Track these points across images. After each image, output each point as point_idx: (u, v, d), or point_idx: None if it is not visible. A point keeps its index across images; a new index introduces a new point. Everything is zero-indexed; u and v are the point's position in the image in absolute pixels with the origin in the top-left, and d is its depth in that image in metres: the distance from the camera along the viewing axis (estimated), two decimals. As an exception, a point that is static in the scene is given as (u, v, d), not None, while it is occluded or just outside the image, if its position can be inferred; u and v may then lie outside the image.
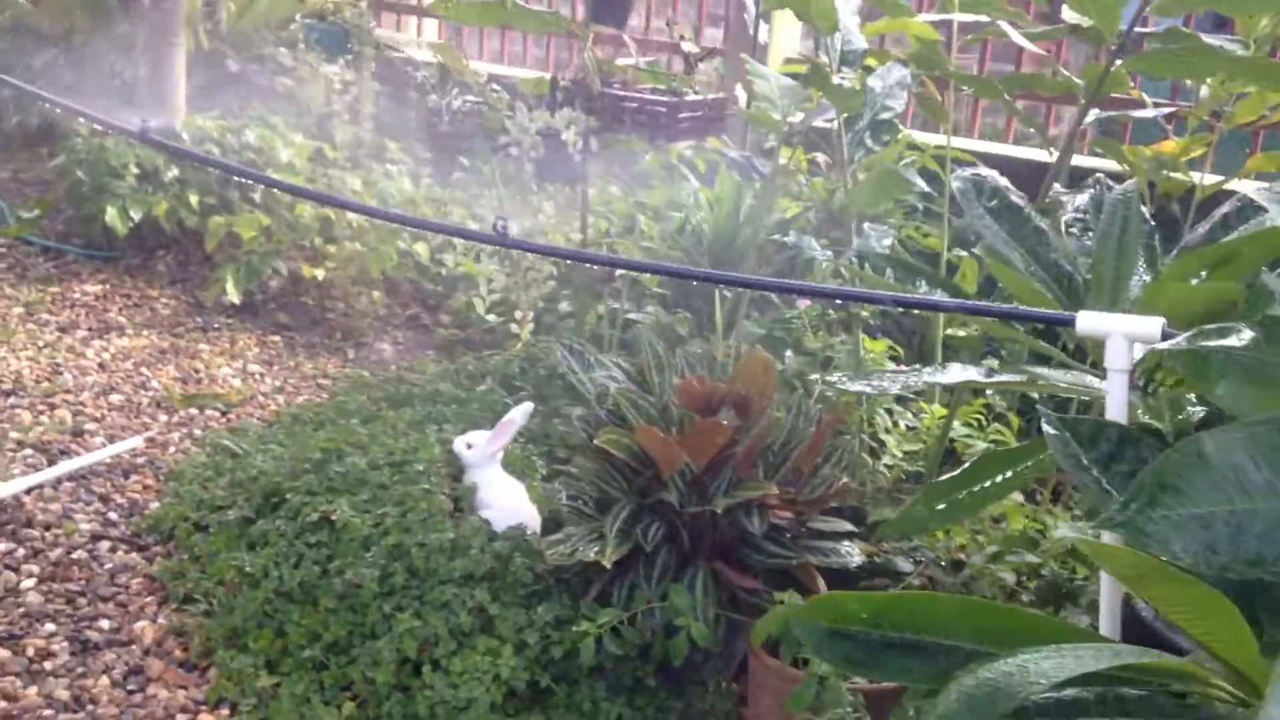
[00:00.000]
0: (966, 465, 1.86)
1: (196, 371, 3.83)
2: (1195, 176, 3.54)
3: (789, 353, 3.51)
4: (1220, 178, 3.64)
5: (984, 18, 2.98)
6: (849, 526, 2.52)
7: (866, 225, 3.06)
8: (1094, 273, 1.86)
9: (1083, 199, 2.12)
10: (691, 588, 2.36)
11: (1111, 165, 3.91)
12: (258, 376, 3.87)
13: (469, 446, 2.82)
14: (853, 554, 2.47)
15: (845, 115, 2.94)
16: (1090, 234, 2.04)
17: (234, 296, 4.22)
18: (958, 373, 1.95)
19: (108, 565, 2.70)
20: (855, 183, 3.00)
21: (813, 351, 3.28)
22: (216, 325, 4.23)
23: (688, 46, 3.08)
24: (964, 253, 3.51)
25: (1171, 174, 3.57)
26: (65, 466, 3.01)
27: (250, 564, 2.53)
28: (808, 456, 2.45)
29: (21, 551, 2.70)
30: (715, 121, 3.00)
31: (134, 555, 2.75)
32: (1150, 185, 3.59)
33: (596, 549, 2.33)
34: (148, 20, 4.88)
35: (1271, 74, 2.53)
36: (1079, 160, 4.40)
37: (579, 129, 2.80)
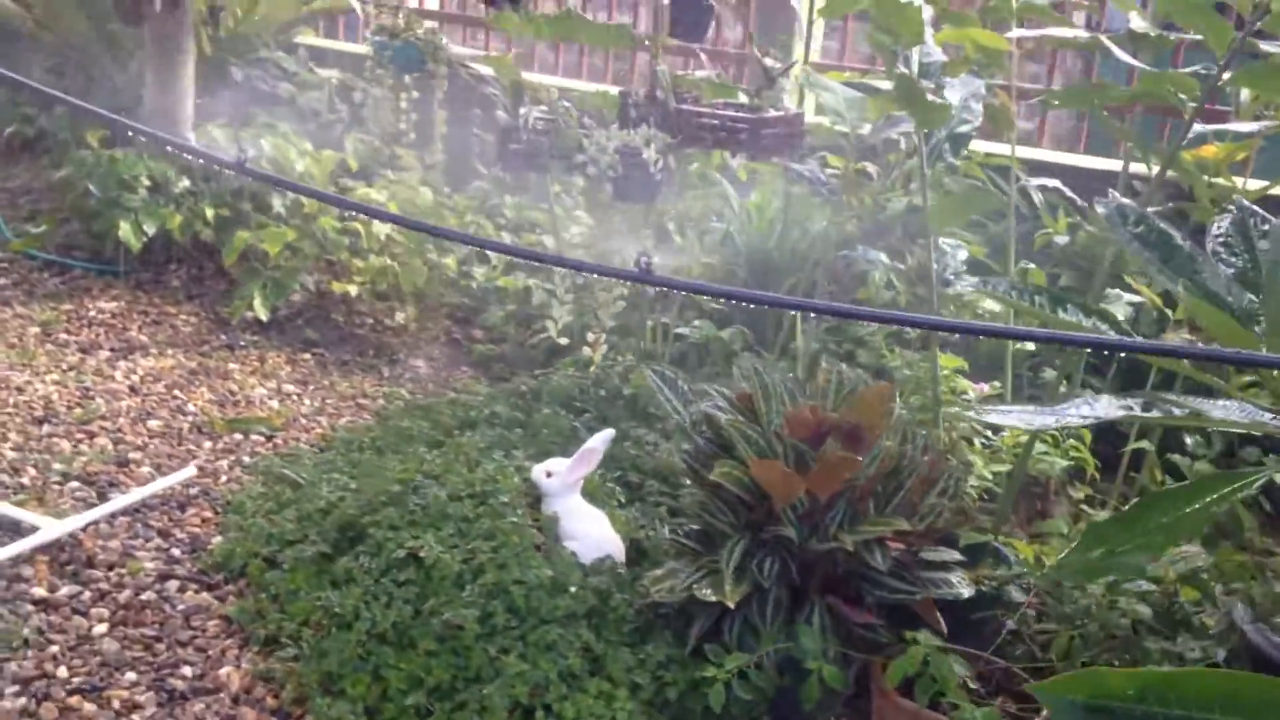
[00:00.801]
0: (1145, 500, 1.80)
1: (232, 393, 3.70)
2: (1239, 181, 3.51)
3: (842, 366, 3.44)
4: (1265, 183, 3.62)
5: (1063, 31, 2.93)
6: (957, 556, 2.45)
7: (942, 240, 3.00)
8: (1268, 306, 1.80)
9: (1225, 223, 2.06)
10: (809, 625, 2.29)
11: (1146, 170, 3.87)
12: (295, 397, 3.75)
13: (549, 475, 2.73)
14: (963, 585, 2.40)
15: (925, 129, 2.87)
16: (1237, 259, 1.99)
17: (262, 313, 4.09)
18: (1112, 408, 1.88)
19: (180, 606, 2.57)
20: (935, 196, 2.94)
21: (881, 368, 3.21)
22: (243, 343, 4.10)
23: (770, 61, 2.99)
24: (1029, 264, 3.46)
25: (1214, 180, 3.53)
26: (121, 501, 2.88)
27: (338, 604, 2.42)
28: (920, 487, 2.38)
29: (88, 594, 2.57)
30: (798, 136, 2.92)
31: (205, 595, 2.63)
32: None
33: (712, 587, 2.25)
34: (154, 28, 4.72)
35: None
36: (1107, 164, 4.37)
37: (658, 147, 2.71)
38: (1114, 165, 4.06)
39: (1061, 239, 3.84)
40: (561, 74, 5.07)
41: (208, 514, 2.96)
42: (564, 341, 3.17)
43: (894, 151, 3.32)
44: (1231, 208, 2.07)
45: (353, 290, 4.08)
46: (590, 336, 3.10)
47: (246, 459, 3.27)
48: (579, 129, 2.74)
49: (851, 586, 2.37)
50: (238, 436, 3.40)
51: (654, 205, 2.87)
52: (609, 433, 2.77)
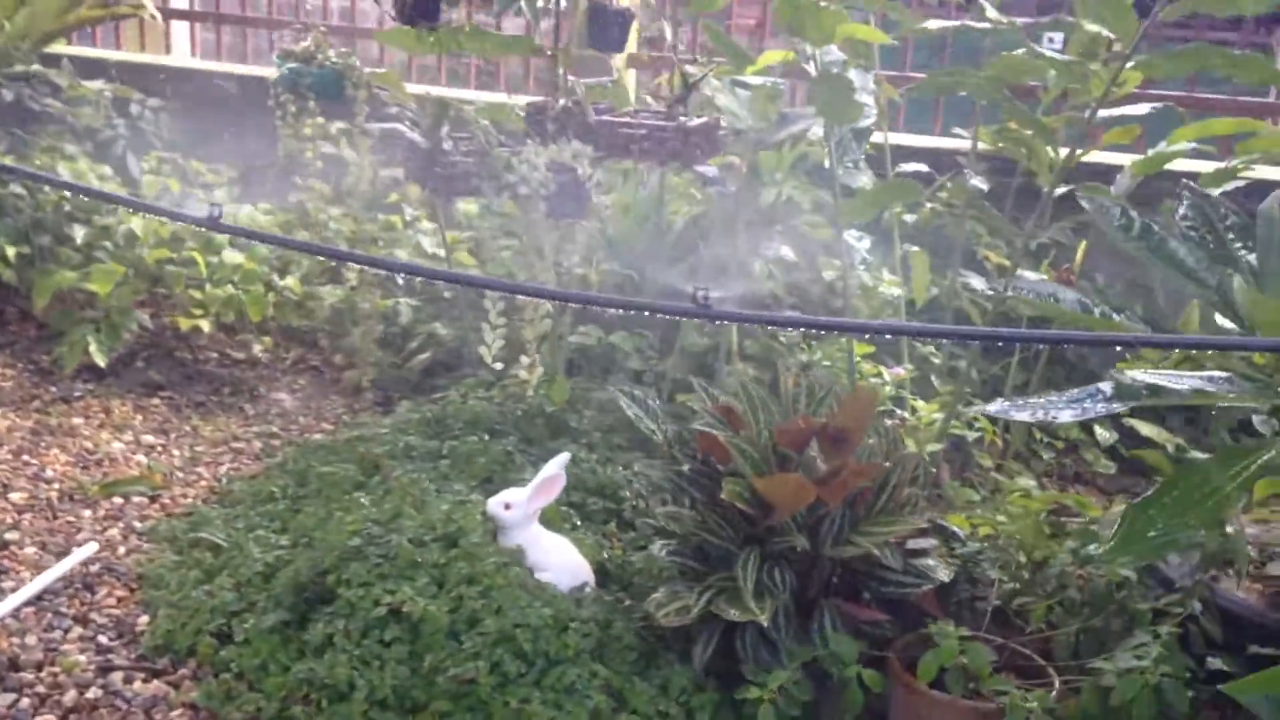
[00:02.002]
0: (1177, 478, 1.89)
1: (89, 452, 3.37)
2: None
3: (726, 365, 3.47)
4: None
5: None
6: (935, 542, 2.52)
7: (849, 234, 3.06)
8: (1270, 289, 1.93)
9: (1185, 208, 2.19)
10: (821, 628, 2.30)
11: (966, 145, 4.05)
12: (160, 449, 3.46)
13: (507, 507, 2.63)
14: (943, 569, 2.47)
15: (837, 125, 2.92)
16: (1205, 245, 2.11)
17: (100, 359, 3.74)
18: (1131, 395, 1.98)
19: (135, 700, 2.33)
20: (845, 191, 2.99)
21: (803, 363, 3.25)
22: (79, 394, 3.74)
23: (692, 68, 2.94)
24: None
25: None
26: (26, 591, 2.58)
27: (326, 674, 2.26)
28: (901, 480, 2.43)
29: (26, 701, 2.29)
30: (717, 142, 2.89)
31: (157, 683, 2.39)
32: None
33: (733, 605, 2.22)
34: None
35: (1254, 66, 2.69)
36: (940, 143, 4.58)
37: (588, 161, 2.63)
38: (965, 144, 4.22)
39: (910, 217, 4.00)
40: (445, 83, 4.87)
41: (121, 592, 2.69)
42: (499, 366, 3.04)
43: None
44: (1186, 194, 2.20)
45: (205, 325, 3.79)
46: (524, 359, 3.00)
47: (138, 524, 2.99)
48: (511, 147, 2.62)
49: (851, 586, 2.40)
50: (117, 501, 3.10)
51: (585, 221, 2.79)
52: (564, 456, 2.68)
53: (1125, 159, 3.98)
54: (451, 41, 2.70)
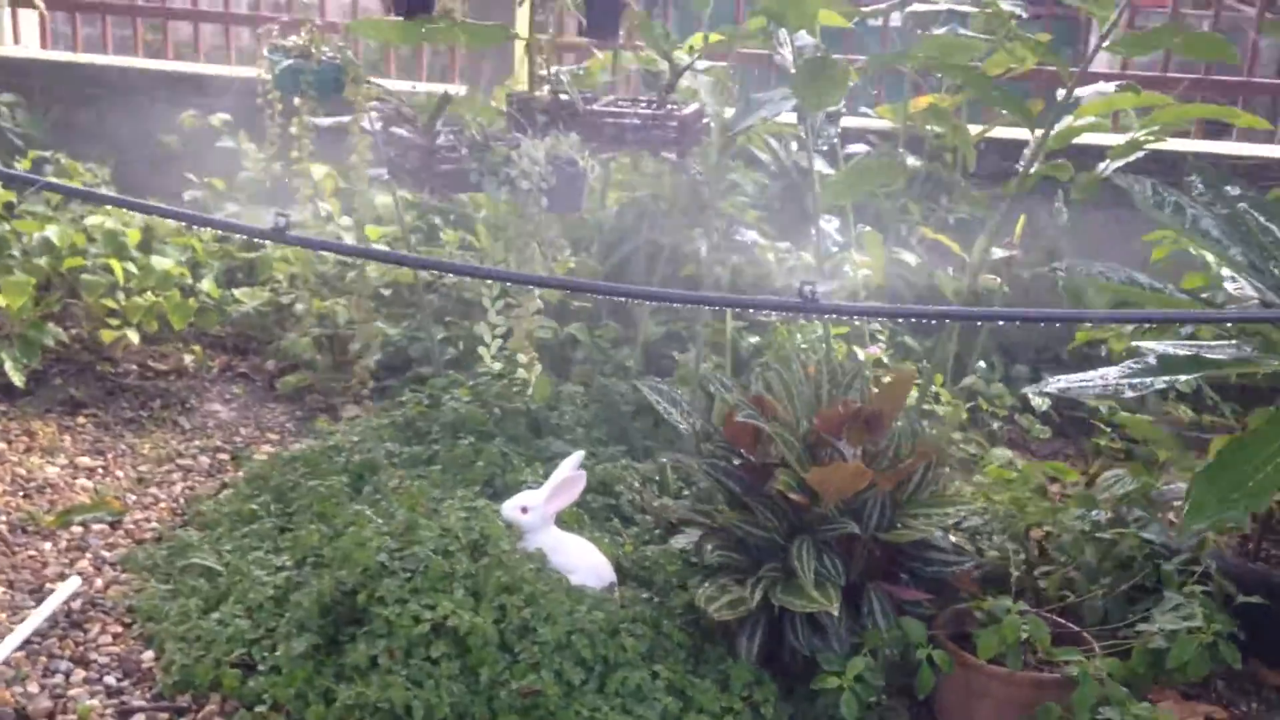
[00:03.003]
0: (1236, 448, 1.97)
1: (24, 479, 3.14)
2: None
3: (691, 349, 3.46)
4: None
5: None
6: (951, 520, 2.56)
7: (822, 220, 3.09)
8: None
9: (1199, 185, 2.28)
10: (871, 612, 2.32)
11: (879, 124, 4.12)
12: (100, 472, 3.24)
13: (524, 510, 2.56)
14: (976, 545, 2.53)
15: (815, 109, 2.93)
16: (1232, 221, 2.21)
17: (16, 378, 3.47)
18: (1177, 367, 2.06)
19: (166, 744, 2.19)
20: (822, 175, 3.01)
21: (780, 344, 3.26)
22: (-7, 417, 3.48)
23: (679, 55, 2.89)
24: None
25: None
26: (17, 636, 2.38)
27: (377, 696, 2.16)
28: (926, 459, 2.46)
29: (48, 756, 2.12)
30: (703, 131, 2.85)
31: (185, 722, 2.25)
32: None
33: (795, 595, 2.22)
34: None
35: (1208, 46, 2.83)
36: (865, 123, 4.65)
37: (584, 153, 2.56)
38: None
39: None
40: (425, 77, 4.64)
41: (115, 628, 2.52)
42: (498, 367, 2.94)
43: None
44: (1196, 173, 2.29)
45: (133, 336, 3.56)
46: (522, 358, 2.91)
47: (106, 554, 2.80)
48: (508, 139, 2.53)
49: (889, 568, 2.42)
50: (77, 530, 2.90)
51: (582, 213, 2.72)
52: (578, 455, 2.64)
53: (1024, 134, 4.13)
54: (430, 33, 2.59)
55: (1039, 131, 2.93)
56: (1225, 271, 2.41)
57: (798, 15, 2.80)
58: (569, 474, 2.58)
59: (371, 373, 3.65)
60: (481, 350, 2.82)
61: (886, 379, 2.43)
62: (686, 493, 3.05)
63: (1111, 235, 4.36)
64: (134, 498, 3.10)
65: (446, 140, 2.53)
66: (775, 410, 2.41)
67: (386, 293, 3.83)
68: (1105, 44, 2.77)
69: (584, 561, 2.55)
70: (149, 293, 3.69)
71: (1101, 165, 3.51)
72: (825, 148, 3.04)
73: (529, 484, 2.82)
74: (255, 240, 4.28)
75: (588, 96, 2.72)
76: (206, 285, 3.93)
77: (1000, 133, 4.34)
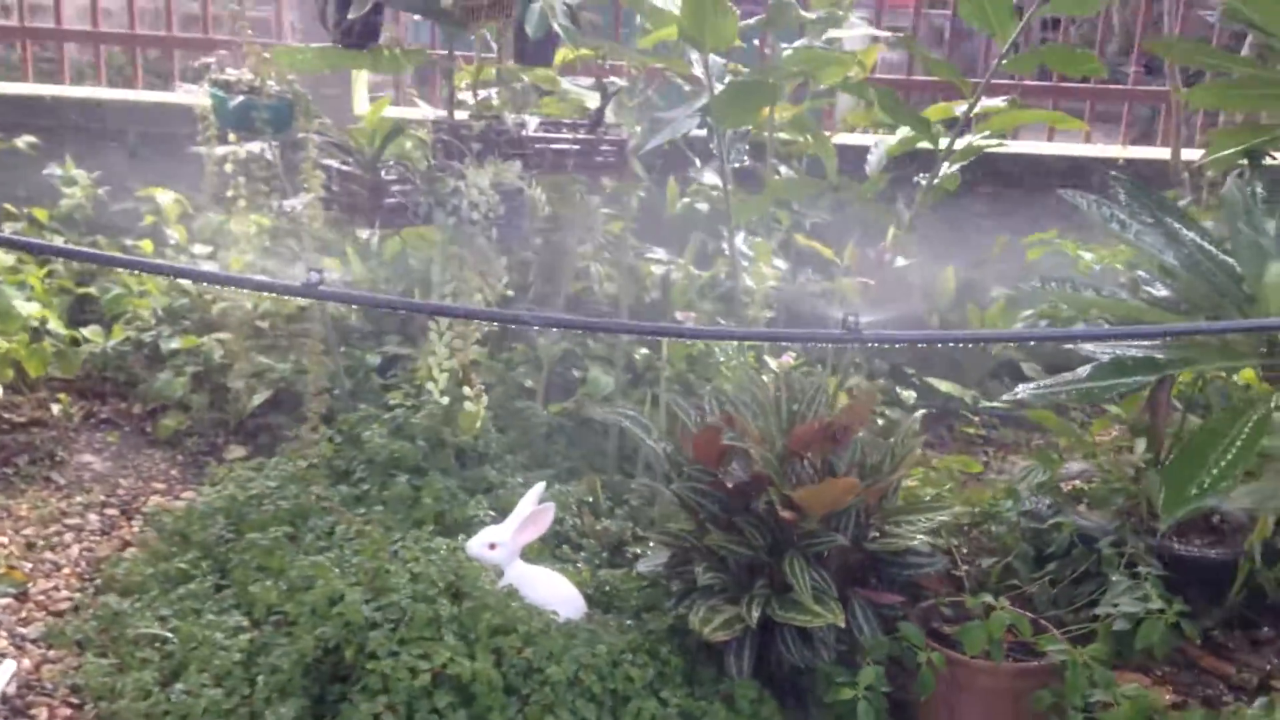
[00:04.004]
0: (1201, 437, 2.14)
1: (-104, 554, 2.85)
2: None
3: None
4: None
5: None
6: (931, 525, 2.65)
7: (740, 235, 3.15)
8: (1247, 267, 2.21)
9: (1121, 195, 2.45)
10: (856, 620, 2.40)
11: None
12: (-22, 539, 2.97)
13: (492, 547, 2.52)
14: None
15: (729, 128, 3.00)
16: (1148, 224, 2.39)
17: None
18: (1141, 369, 2.22)
19: (163, 832, 2.04)
20: (735, 186, 3.07)
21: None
22: None
23: (615, 80, 2.83)
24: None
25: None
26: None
27: (390, 760, 2.09)
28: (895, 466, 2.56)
29: None
30: (628, 154, 2.84)
31: (175, 806, 2.10)
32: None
33: (798, 611, 2.27)
34: None
35: (1079, 61, 3.04)
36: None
37: (527, 180, 2.50)
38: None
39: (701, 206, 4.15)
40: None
41: (65, 710, 2.33)
42: (445, 400, 2.84)
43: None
44: (1117, 184, 2.47)
45: (-4, 390, 3.28)
46: (468, 390, 2.81)
47: (23, 630, 2.58)
48: (453, 167, 2.45)
49: (864, 574, 2.50)
50: (-22, 605, 2.66)
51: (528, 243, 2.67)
52: (540, 486, 2.61)
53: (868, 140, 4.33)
54: (377, 61, 2.48)
55: (944, 143, 3.06)
56: (1143, 274, 2.61)
57: (715, 37, 2.84)
58: (534, 506, 2.55)
59: (248, 410, 3.49)
60: (430, 385, 2.73)
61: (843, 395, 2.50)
62: (618, 512, 3.07)
63: (945, 236, 4.63)
64: (29, 565, 2.86)
65: (390, 173, 2.44)
66: (747, 429, 2.45)
67: (263, 324, 3.66)
68: (1004, 62, 2.93)
69: (557, 594, 2.52)
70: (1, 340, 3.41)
71: (943, 169, 3.72)
72: (737, 164, 3.10)
73: (480, 519, 2.77)
74: (92, 270, 4.02)
75: (519, 122, 2.68)
76: (54, 325, 3.65)
77: (846, 139, 4.56)
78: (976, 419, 3.99)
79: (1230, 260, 2.33)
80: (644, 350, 3.69)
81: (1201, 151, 4.37)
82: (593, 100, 3.07)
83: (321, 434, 3.10)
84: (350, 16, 2.25)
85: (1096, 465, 3.01)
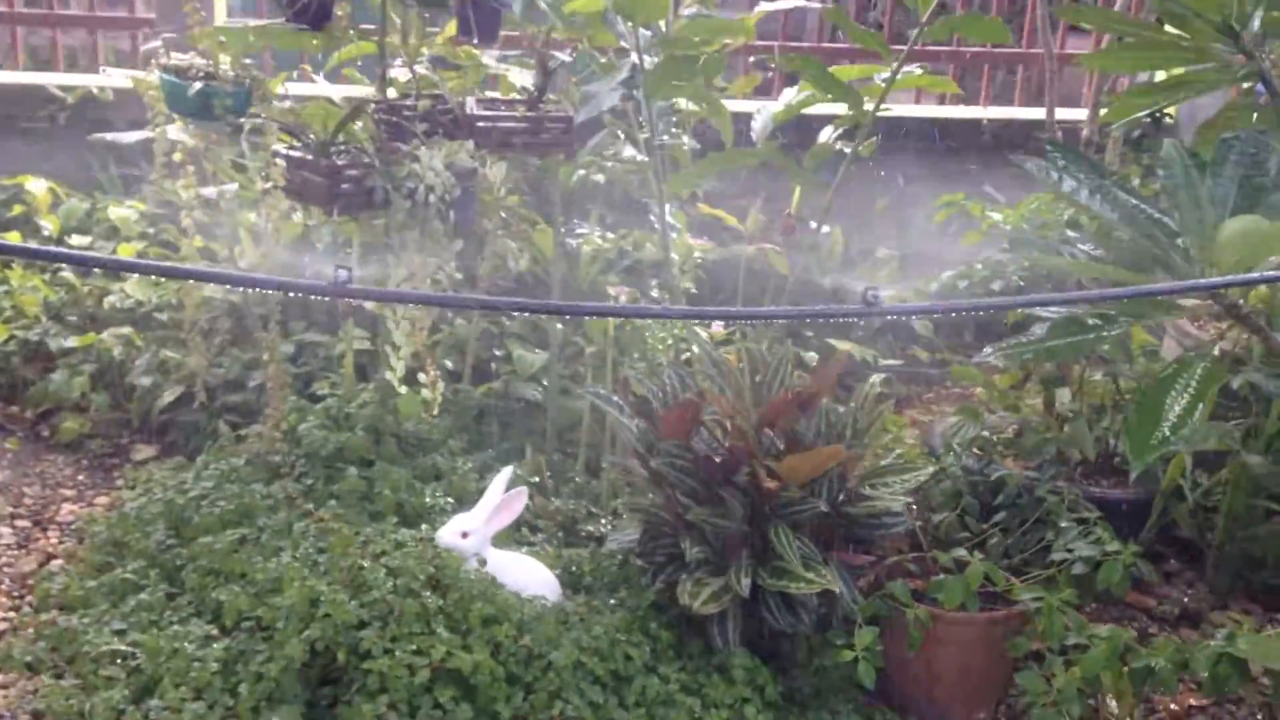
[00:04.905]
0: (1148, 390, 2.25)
1: None
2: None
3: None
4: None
5: None
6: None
7: (669, 206, 3.15)
8: (1185, 224, 2.33)
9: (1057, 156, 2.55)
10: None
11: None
12: (-119, 561, 2.76)
13: (464, 535, 2.48)
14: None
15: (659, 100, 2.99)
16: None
17: None
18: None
19: None
20: (666, 164, 3.06)
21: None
22: None
23: (559, 55, 2.74)
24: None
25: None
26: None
27: (403, 759, 2.04)
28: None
29: None
30: (573, 132, 2.77)
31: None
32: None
33: (788, 579, 2.30)
34: None
35: (988, 29, 3.15)
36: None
37: (487, 163, 2.42)
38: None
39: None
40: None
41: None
42: (404, 390, 2.73)
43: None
44: (1051, 145, 2.56)
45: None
46: (423, 376, 2.72)
47: (-37, 656, 2.41)
48: (406, 149, 2.35)
49: (835, 537, 2.56)
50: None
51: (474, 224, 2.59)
52: (508, 471, 2.57)
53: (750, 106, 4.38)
54: (332, 41, 2.36)
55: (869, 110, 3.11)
56: (1070, 234, 2.72)
57: (646, 10, 2.82)
58: (507, 492, 2.52)
59: (156, 408, 3.32)
60: (389, 375, 2.64)
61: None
62: (564, 491, 3.05)
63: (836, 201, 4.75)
64: (-43, 587, 2.67)
65: (341, 157, 2.34)
66: (721, 403, 2.47)
67: (161, 316, 3.48)
68: (926, 28, 3.00)
69: (533, 578, 2.50)
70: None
71: (825, 133, 3.79)
72: (666, 137, 3.10)
73: (441, 508, 2.72)
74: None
75: (460, 101, 2.60)
76: (-74, 328, 3.40)
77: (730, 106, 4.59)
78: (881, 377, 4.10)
79: (1166, 219, 2.45)
80: (559, 325, 3.67)
81: (1081, 112, 4.61)
82: (520, 77, 3.02)
83: (252, 430, 2.98)
84: (306, -4, 2.14)
85: (1022, 417, 3.14)
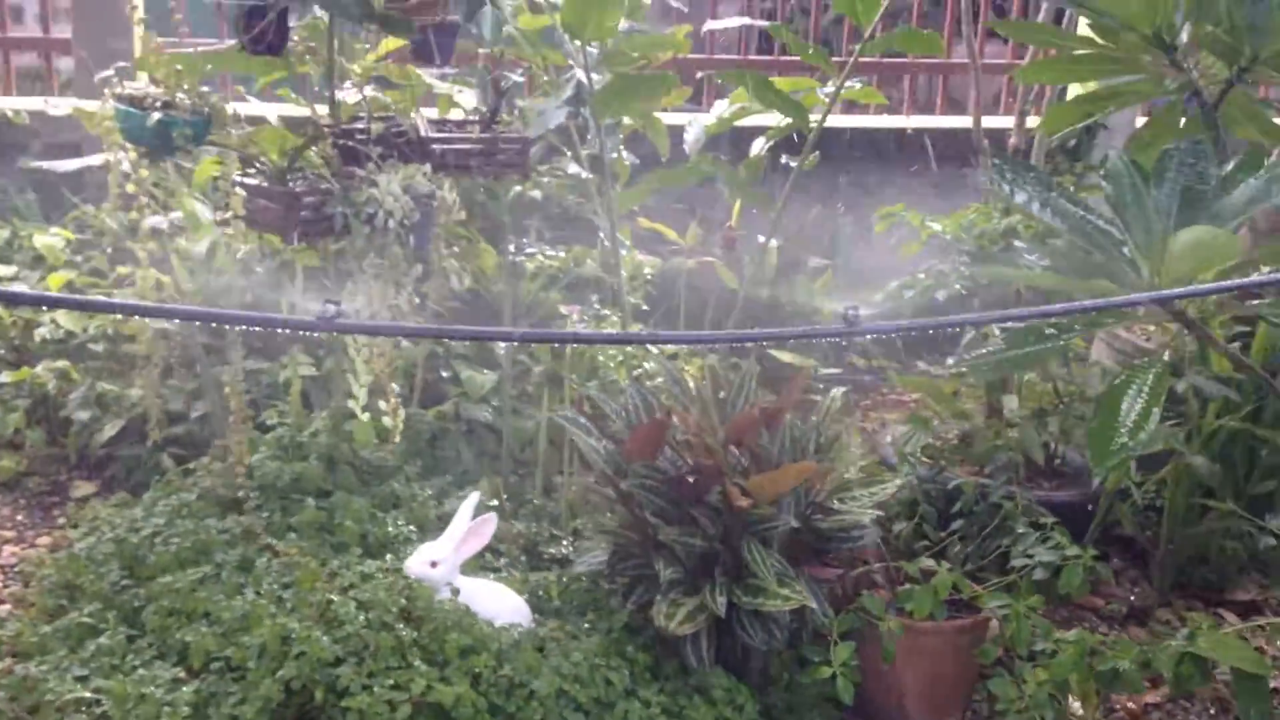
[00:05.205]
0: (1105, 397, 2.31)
1: None
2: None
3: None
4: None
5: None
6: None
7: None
8: (1134, 234, 2.39)
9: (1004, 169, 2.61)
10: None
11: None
12: None
13: (434, 565, 2.45)
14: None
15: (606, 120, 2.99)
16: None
17: None
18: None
19: None
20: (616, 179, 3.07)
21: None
22: None
23: (515, 76, 2.71)
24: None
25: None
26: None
27: (389, 798, 2.01)
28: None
29: None
30: (527, 152, 2.74)
31: None
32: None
33: (763, 597, 2.32)
34: None
35: (923, 42, 3.21)
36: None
37: (446, 186, 2.38)
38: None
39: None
40: None
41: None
42: (365, 417, 2.67)
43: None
44: (993, 158, 2.62)
45: None
46: (384, 404, 2.67)
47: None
48: (362, 175, 2.31)
49: (805, 549, 2.57)
50: None
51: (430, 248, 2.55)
52: (475, 497, 2.55)
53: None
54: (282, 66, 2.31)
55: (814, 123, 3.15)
56: (1019, 244, 2.79)
57: (596, 28, 2.83)
58: (474, 519, 2.50)
59: (96, 444, 3.23)
60: (351, 403, 2.60)
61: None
62: (522, 513, 3.04)
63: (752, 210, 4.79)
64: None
65: (299, 184, 2.29)
66: (688, 421, 2.48)
67: (96, 347, 3.39)
68: (869, 43, 3.05)
69: (504, 605, 2.49)
70: None
71: (756, 145, 3.84)
72: (613, 155, 3.10)
73: (406, 537, 2.69)
74: None
75: (412, 124, 2.57)
76: None
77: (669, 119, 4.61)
78: (821, 386, 4.15)
79: (1110, 229, 2.52)
80: (501, 347, 3.65)
81: (1004, 120, 4.70)
82: (465, 98, 3.00)
83: (200, 463, 2.91)
84: (261, 23, 2.09)
85: (971, 423, 3.20)
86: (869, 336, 4.47)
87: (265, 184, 2.29)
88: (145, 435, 3.23)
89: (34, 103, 4.06)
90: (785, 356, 4.26)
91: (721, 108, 3.88)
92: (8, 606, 2.68)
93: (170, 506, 2.78)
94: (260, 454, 2.86)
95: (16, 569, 2.86)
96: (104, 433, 3.19)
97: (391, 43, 3.07)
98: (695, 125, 3.94)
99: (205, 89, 2.30)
